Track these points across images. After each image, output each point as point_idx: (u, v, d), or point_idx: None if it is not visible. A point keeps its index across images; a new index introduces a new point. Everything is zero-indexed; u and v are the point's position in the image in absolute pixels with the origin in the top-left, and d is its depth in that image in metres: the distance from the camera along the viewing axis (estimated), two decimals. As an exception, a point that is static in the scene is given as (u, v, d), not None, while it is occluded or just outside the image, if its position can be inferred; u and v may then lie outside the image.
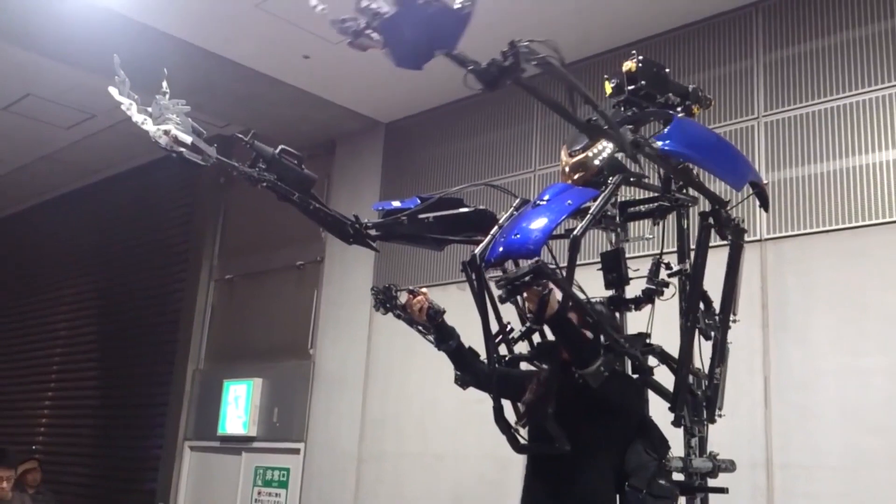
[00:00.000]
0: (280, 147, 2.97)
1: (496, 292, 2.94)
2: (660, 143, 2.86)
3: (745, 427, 4.73)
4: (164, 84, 2.85)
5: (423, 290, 3.25)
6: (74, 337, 10.69)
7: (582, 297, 2.91)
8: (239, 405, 7.99)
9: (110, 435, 9.63)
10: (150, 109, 2.80)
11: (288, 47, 6.41)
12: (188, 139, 2.78)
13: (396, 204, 3.38)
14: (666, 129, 2.95)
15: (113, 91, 2.81)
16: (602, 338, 2.86)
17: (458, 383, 3.27)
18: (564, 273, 2.73)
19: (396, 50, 2.04)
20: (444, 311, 3.22)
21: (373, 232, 3.26)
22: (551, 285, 2.61)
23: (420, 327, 3.27)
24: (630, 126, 2.87)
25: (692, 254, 3.24)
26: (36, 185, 10.94)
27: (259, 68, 6.82)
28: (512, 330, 3.20)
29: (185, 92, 2.91)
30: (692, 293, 3.14)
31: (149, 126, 2.78)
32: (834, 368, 4.66)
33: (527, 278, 2.52)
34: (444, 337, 3.22)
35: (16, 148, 9.57)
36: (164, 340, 9.24)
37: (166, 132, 2.75)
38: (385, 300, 3.30)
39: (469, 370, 3.24)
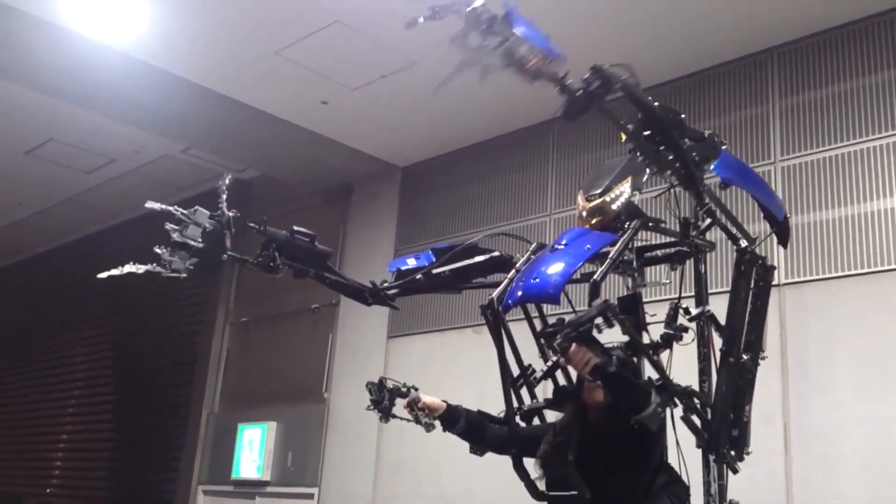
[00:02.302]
0: (293, 228, 2.99)
1: (514, 335, 2.94)
2: (717, 174, 3.05)
3: (765, 475, 4.64)
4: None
5: (420, 397, 3.22)
6: (91, 379, 10.71)
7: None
8: (253, 449, 7.94)
9: (124, 478, 9.59)
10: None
11: (306, 93, 6.49)
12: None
13: (412, 262, 3.40)
14: (717, 160, 3.09)
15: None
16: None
17: (473, 452, 3.27)
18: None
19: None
20: (442, 408, 3.21)
21: (391, 291, 3.28)
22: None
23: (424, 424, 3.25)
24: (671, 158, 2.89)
25: (709, 297, 3.21)
26: (57, 228, 11.06)
27: (277, 113, 6.90)
28: (534, 371, 3.15)
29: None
30: (733, 331, 3.07)
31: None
32: (856, 416, 4.58)
33: (599, 320, 2.31)
34: (452, 421, 3.23)
35: (38, 191, 9.70)
36: (179, 383, 9.23)
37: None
38: (384, 409, 3.22)
39: (484, 442, 3.21)
